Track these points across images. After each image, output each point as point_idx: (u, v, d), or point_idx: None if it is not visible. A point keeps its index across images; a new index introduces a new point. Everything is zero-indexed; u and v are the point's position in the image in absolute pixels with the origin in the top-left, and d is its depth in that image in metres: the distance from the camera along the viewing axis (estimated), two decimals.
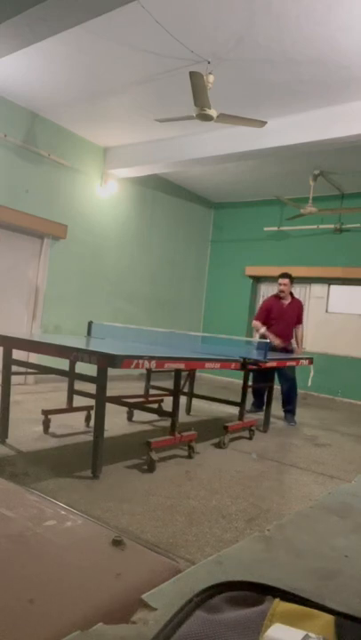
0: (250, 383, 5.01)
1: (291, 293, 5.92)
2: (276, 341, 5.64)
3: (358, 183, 7.58)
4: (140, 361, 3.02)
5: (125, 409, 4.89)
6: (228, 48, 4.33)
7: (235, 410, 4.81)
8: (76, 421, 4.45)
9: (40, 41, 3.93)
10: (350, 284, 8.20)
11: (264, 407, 5.21)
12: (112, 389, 3.68)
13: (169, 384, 4.75)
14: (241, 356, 4.31)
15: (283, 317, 5.82)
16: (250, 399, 4.83)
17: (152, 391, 5.39)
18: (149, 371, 5.11)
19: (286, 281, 5.80)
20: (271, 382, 5.26)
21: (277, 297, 5.91)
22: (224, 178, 8.04)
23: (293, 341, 5.96)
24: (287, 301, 5.87)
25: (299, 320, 5.92)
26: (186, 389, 5.30)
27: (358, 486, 0.88)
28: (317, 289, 8.56)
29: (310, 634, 0.38)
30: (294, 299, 5.96)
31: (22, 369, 3.87)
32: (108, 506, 2.69)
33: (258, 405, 5.77)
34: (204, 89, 4.10)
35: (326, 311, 8.45)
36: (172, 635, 0.39)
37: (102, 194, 7.27)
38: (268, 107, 5.36)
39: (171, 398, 3.94)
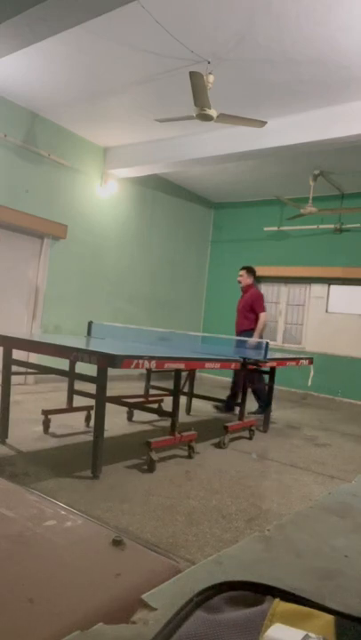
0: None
1: (252, 285, 5.90)
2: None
3: (358, 183, 7.58)
4: (140, 361, 3.02)
5: (125, 409, 4.89)
6: (228, 48, 4.33)
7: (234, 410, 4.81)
8: (76, 421, 4.45)
9: (40, 41, 3.93)
10: (350, 284, 8.19)
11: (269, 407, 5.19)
12: (112, 389, 3.68)
13: (169, 384, 4.75)
14: (241, 355, 4.31)
15: (238, 309, 5.92)
16: (250, 399, 4.82)
17: (152, 391, 5.39)
18: (149, 371, 5.11)
19: (241, 272, 5.90)
20: (272, 382, 5.25)
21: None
22: (224, 178, 8.04)
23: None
24: (244, 293, 5.93)
25: (253, 309, 5.77)
26: (186, 389, 5.30)
27: (358, 486, 0.88)
28: (317, 289, 8.56)
29: (310, 634, 0.38)
30: (251, 290, 5.89)
31: (22, 369, 3.87)
32: (108, 506, 2.69)
33: (261, 407, 5.70)
34: (204, 89, 4.10)
35: (326, 311, 8.45)
36: (172, 635, 0.39)
37: (102, 194, 7.27)
38: (268, 107, 5.36)
39: (171, 398, 3.94)
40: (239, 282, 5.91)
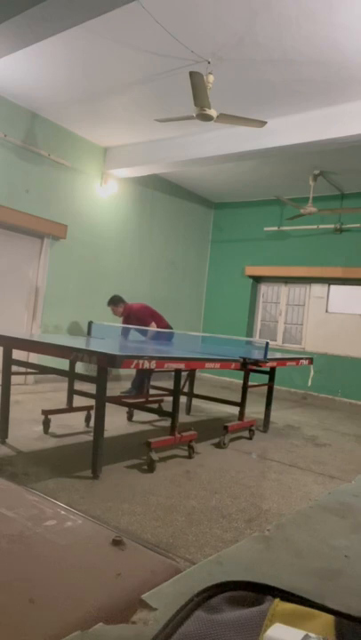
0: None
1: (128, 307, 5.92)
2: None
3: (358, 183, 7.58)
4: (140, 361, 3.02)
5: (125, 409, 4.89)
6: (228, 48, 4.33)
7: (235, 410, 4.81)
8: (76, 421, 4.45)
9: (40, 41, 3.93)
10: (350, 284, 8.20)
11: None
12: (112, 389, 3.68)
13: (169, 384, 4.75)
14: (241, 356, 4.31)
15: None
16: (250, 399, 4.82)
17: (152, 391, 5.39)
18: (149, 371, 5.11)
19: (110, 308, 5.96)
20: (271, 382, 5.25)
21: None
22: (224, 178, 8.04)
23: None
24: (130, 314, 5.89)
25: (146, 322, 5.85)
26: (186, 389, 5.30)
27: (358, 486, 0.88)
28: (317, 289, 8.56)
29: (310, 634, 0.38)
30: (132, 309, 5.91)
31: (22, 369, 3.87)
32: (108, 506, 2.69)
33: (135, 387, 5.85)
34: (204, 89, 4.10)
35: (326, 311, 8.45)
36: (172, 635, 0.39)
37: (102, 194, 7.27)
38: (268, 107, 5.36)
39: (171, 398, 3.94)
40: (116, 315, 5.97)
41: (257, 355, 4.59)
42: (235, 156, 6.17)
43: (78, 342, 3.78)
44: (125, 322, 5.87)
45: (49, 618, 0.48)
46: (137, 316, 5.87)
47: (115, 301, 5.93)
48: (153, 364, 3.14)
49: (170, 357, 3.42)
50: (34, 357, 5.39)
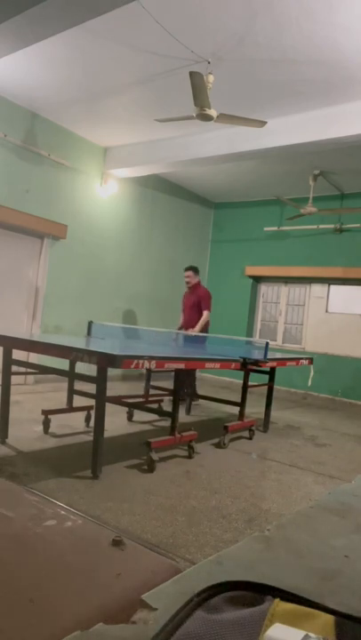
0: None
1: (199, 284, 6.14)
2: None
3: (358, 183, 7.58)
4: (140, 361, 3.01)
5: (125, 409, 4.89)
6: (228, 48, 4.33)
7: (235, 410, 4.81)
8: (76, 421, 4.45)
9: (40, 41, 3.93)
10: (350, 284, 8.20)
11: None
12: (112, 389, 3.68)
13: (169, 384, 4.75)
14: (241, 355, 4.31)
15: (186, 306, 6.22)
16: (250, 399, 4.82)
17: (152, 391, 5.39)
18: (149, 371, 5.11)
19: (188, 273, 6.13)
20: (272, 382, 5.25)
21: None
22: (224, 178, 8.04)
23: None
24: (192, 291, 6.14)
25: (199, 307, 6.00)
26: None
27: (358, 486, 0.88)
28: (317, 289, 8.56)
29: (310, 634, 0.38)
30: (199, 288, 6.12)
31: (22, 369, 3.87)
32: (108, 506, 2.69)
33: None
34: (204, 89, 4.10)
35: (326, 311, 8.45)
36: (172, 635, 0.39)
37: (102, 194, 7.27)
38: (268, 107, 5.36)
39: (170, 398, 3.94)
40: (187, 282, 6.15)
41: (257, 355, 4.58)
42: (235, 156, 6.17)
43: (78, 342, 3.77)
44: (186, 295, 6.18)
45: (49, 618, 0.48)
46: (200, 298, 5.98)
47: (196, 270, 6.12)
48: (153, 364, 3.13)
49: (170, 357, 3.41)
50: (34, 357, 5.39)
